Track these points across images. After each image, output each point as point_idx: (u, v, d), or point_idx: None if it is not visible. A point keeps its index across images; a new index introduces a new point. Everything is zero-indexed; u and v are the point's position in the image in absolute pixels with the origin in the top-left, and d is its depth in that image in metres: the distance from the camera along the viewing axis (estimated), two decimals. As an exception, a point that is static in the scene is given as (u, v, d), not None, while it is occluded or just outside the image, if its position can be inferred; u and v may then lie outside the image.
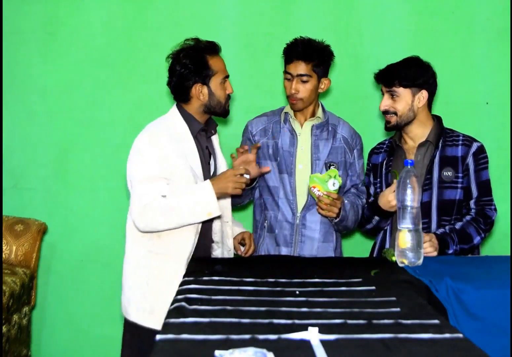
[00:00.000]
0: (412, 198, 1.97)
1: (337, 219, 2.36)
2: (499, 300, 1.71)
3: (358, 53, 3.12)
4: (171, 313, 1.53)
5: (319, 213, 2.39)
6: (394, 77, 2.30)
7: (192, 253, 2.20)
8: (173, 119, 2.24)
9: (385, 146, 2.50)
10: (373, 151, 2.54)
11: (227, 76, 2.27)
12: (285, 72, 2.44)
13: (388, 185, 2.38)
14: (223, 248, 2.34)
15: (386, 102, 2.34)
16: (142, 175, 2.12)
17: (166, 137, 2.17)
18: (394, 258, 2.03)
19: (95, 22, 3.11)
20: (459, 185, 2.31)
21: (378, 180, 2.45)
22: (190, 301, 1.60)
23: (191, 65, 2.17)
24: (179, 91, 2.24)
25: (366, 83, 3.05)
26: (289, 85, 2.42)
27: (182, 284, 1.81)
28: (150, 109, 3.03)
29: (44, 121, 3.14)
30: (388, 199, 2.23)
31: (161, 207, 2.09)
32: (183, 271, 2.13)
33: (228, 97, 2.28)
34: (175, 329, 1.39)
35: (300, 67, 2.38)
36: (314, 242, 2.46)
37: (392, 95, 2.32)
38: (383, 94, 2.36)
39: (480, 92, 3.13)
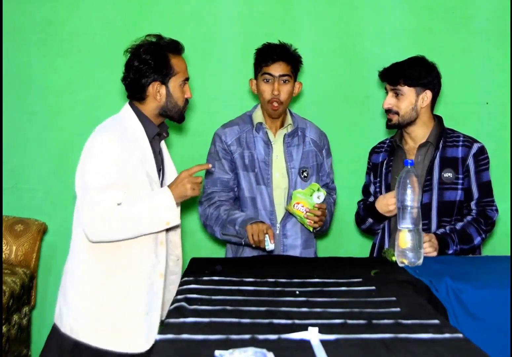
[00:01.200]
0: (412, 198, 1.97)
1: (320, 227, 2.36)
2: (499, 300, 1.71)
3: (358, 53, 3.12)
4: (171, 313, 1.53)
5: (308, 228, 2.35)
6: (399, 75, 2.29)
7: (156, 267, 2.00)
8: (128, 120, 2.06)
9: (385, 145, 2.49)
10: (373, 151, 2.52)
11: (187, 79, 2.10)
12: (264, 74, 2.37)
13: (387, 185, 2.37)
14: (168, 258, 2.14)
15: (390, 101, 2.32)
16: (99, 182, 1.92)
17: (123, 139, 1.99)
18: (394, 258, 2.03)
19: (95, 22, 3.11)
20: (460, 186, 2.30)
21: (378, 179, 2.44)
22: (190, 301, 1.60)
23: (152, 62, 2.01)
24: (135, 89, 2.05)
25: (366, 83, 3.05)
26: (270, 87, 2.37)
27: (182, 284, 1.81)
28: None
29: (44, 121, 3.13)
30: (388, 202, 2.22)
31: (116, 215, 1.91)
32: (147, 287, 1.96)
33: (187, 102, 2.12)
34: (175, 329, 1.39)
35: (282, 68, 2.36)
36: (296, 250, 2.44)
37: (397, 94, 2.31)
38: (387, 92, 2.35)
39: (480, 92, 3.12)
